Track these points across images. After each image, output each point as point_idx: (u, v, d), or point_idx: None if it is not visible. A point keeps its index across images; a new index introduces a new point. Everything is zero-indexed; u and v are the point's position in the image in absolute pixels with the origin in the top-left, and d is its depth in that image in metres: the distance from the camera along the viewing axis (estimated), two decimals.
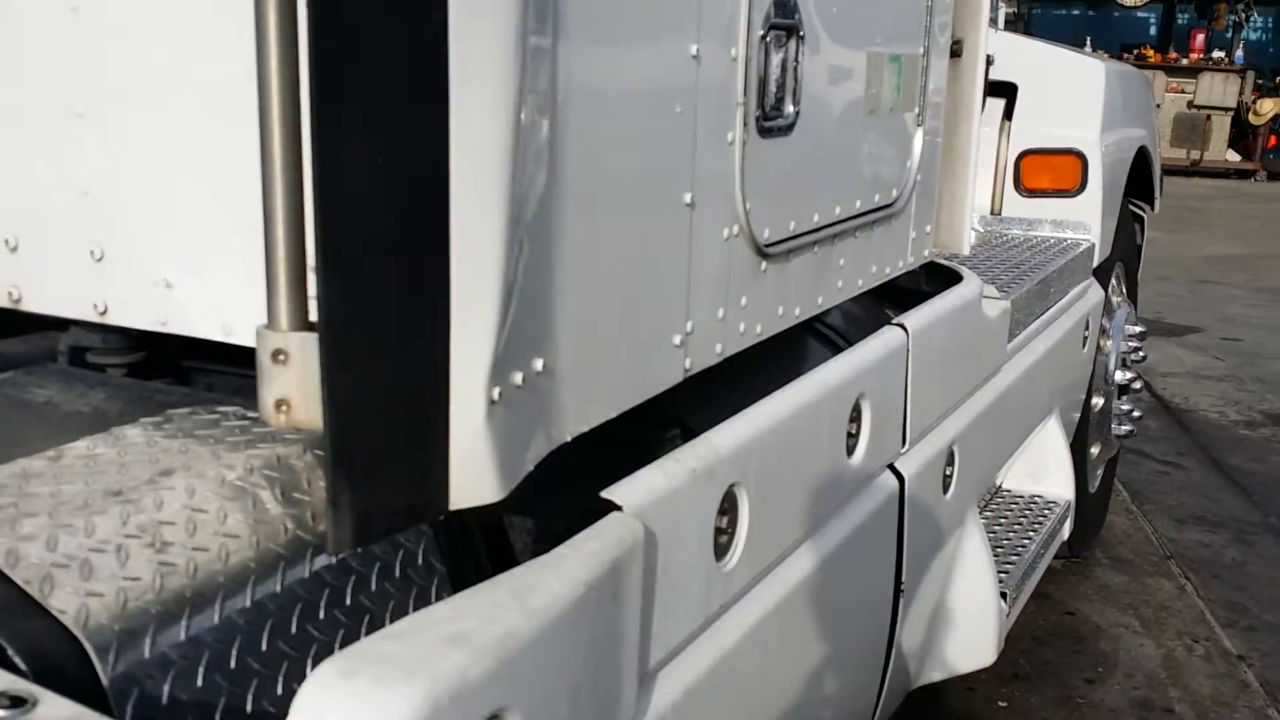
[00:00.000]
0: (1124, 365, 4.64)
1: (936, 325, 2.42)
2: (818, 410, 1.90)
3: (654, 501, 1.42)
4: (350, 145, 1.04)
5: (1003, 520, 3.47)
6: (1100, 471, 4.71)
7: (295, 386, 1.14)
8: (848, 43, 2.06)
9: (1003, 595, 2.95)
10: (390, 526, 1.11)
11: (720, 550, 1.62)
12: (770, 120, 1.79)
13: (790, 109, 1.85)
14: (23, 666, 1.04)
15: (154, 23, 1.42)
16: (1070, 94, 4.12)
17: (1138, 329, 4.73)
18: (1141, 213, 4.98)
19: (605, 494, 1.38)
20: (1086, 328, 3.97)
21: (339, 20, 1.02)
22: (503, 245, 1.18)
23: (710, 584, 1.60)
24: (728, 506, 1.63)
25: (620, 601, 1.31)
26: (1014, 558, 3.23)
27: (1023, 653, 3.97)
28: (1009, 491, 3.67)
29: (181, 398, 1.62)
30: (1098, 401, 4.48)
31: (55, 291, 1.67)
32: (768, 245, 1.80)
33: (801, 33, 1.84)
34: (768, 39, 1.75)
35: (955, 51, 2.63)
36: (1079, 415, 4.21)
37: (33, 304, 1.69)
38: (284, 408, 1.14)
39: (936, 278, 2.81)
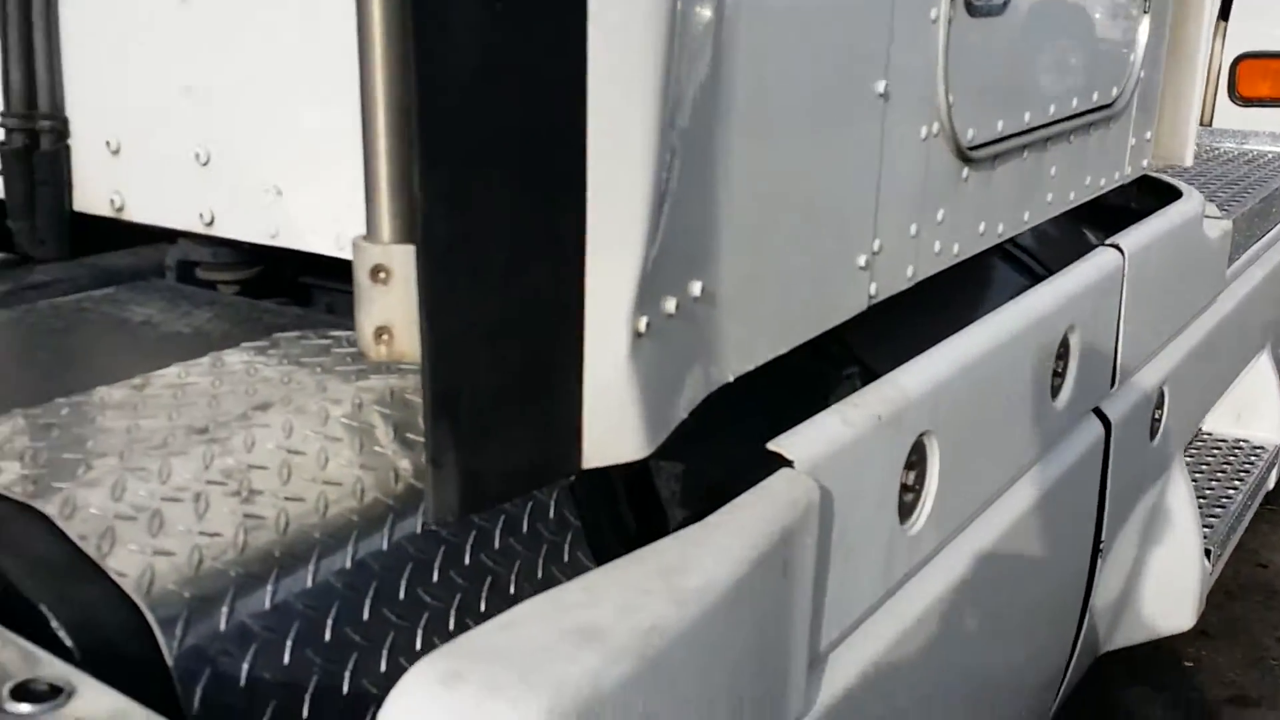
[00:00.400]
0: None
1: (1155, 247, 2.10)
2: (1023, 345, 1.62)
3: (832, 455, 1.18)
4: (459, 10, 0.81)
5: (1204, 467, 3.13)
6: None
7: (399, 310, 0.93)
8: None
9: (1206, 552, 2.63)
10: (506, 490, 0.90)
11: (905, 510, 1.38)
12: None
13: None
14: (68, 642, 0.86)
15: None
16: None
17: None
18: None
19: (773, 446, 1.15)
20: None
21: None
22: (653, 144, 0.94)
23: (892, 550, 1.35)
24: (915, 459, 1.37)
25: (790, 577, 1.07)
26: (1218, 510, 2.89)
27: (1214, 608, 3.62)
28: (1210, 435, 3.31)
29: (293, 320, 1.44)
30: None
31: (159, 199, 1.50)
32: (971, 148, 1.52)
33: None
34: None
35: None
36: None
37: (136, 212, 1.53)
38: (385, 337, 0.93)
39: (1146, 194, 2.47)
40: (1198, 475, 3.07)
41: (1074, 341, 1.78)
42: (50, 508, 0.95)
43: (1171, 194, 2.43)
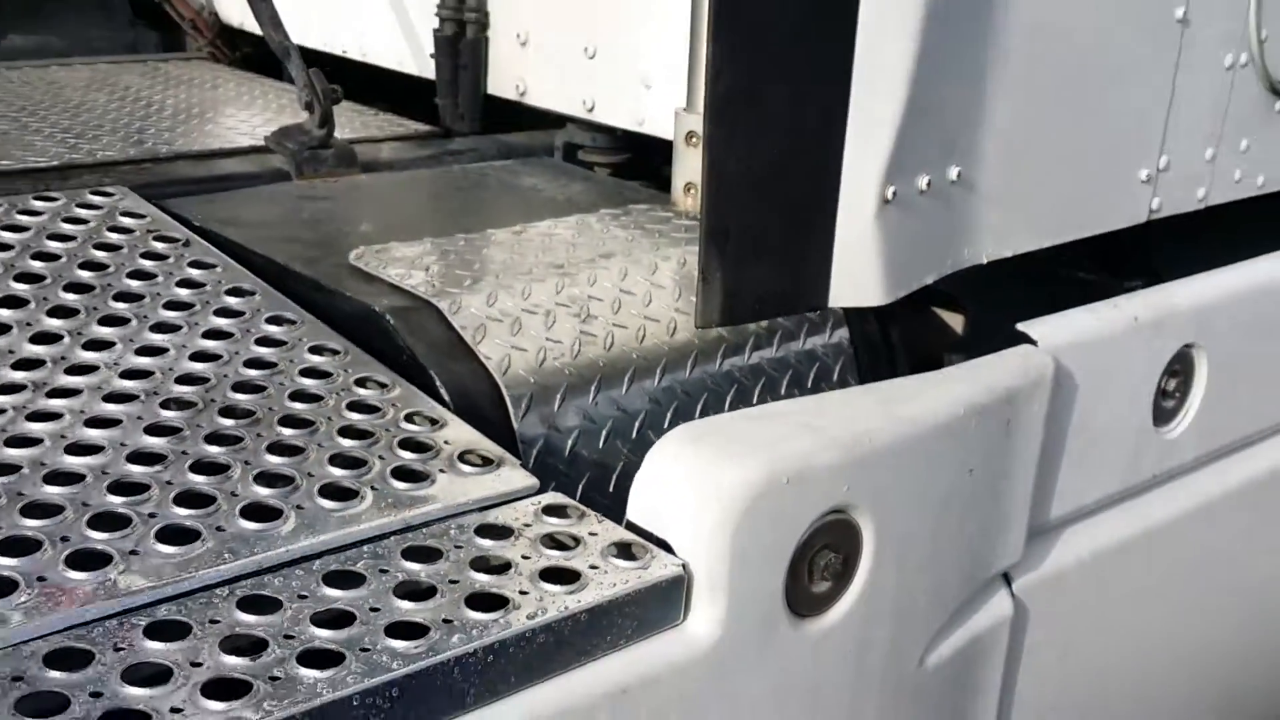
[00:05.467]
0: None
1: None
2: None
3: (1076, 343, 1.33)
4: None
5: None
6: None
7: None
8: None
9: None
10: (759, 309, 1.13)
11: (1162, 415, 1.49)
12: None
13: None
14: (446, 397, 1.18)
15: None
16: None
17: None
18: None
19: (1022, 326, 1.31)
20: None
21: None
22: (916, 30, 1.12)
23: (1141, 448, 1.48)
24: (1179, 368, 1.48)
25: (1013, 435, 1.24)
26: None
27: None
28: None
29: (648, 198, 1.72)
30: None
31: (553, 86, 1.83)
32: None
33: None
34: None
35: None
36: None
37: (534, 97, 1.87)
38: (691, 190, 1.18)
39: None
40: None
41: None
42: (443, 304, 1.28)
43: None
